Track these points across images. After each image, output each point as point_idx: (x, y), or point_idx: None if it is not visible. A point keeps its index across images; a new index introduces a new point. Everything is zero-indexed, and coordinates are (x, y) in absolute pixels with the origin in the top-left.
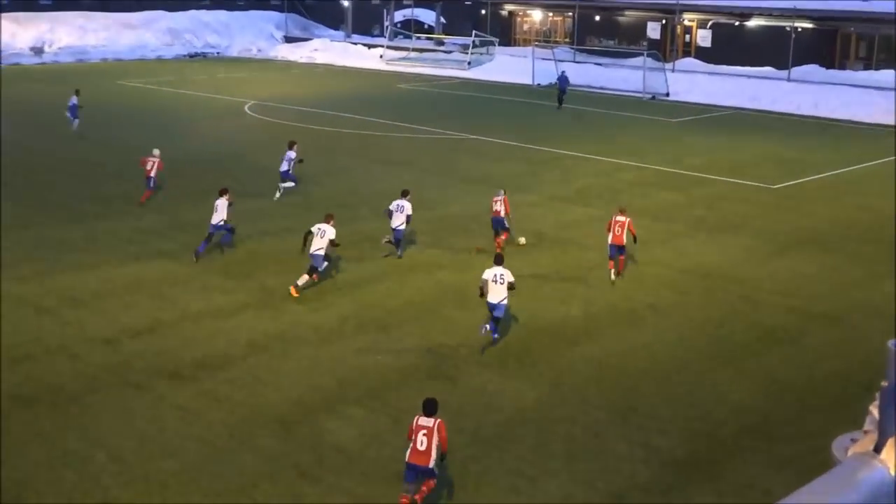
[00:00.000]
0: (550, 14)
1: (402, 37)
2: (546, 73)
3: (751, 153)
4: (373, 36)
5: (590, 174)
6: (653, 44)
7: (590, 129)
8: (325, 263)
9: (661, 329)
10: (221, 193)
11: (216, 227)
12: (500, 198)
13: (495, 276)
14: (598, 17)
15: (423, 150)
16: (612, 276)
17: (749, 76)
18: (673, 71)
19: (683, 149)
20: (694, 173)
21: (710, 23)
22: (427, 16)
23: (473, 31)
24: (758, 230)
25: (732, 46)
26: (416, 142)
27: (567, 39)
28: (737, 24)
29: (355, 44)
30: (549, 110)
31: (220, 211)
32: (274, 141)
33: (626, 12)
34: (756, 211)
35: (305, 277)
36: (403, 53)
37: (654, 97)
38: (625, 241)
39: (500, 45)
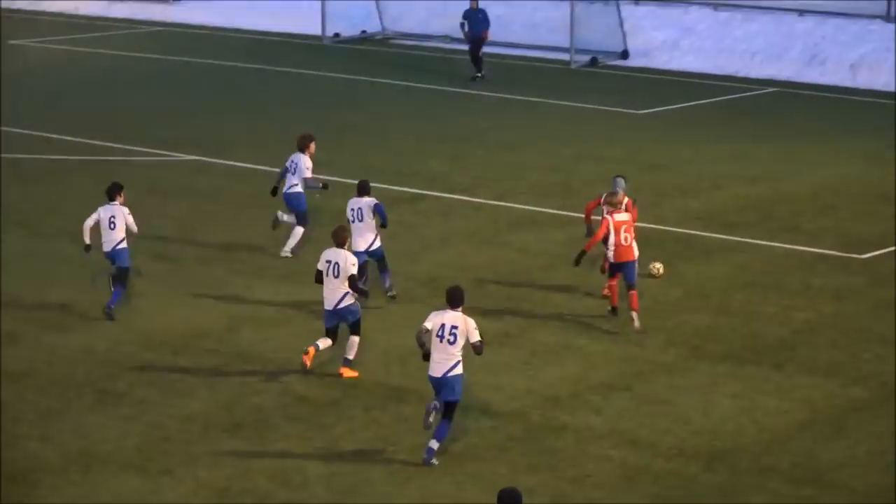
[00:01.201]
0: None
1: None
2: (352, 6)
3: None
4: None
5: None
6: None
7: (468, 135)
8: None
9: None
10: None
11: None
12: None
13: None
14: None
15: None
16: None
17: (802, 11)
18: (636, 2)
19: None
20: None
21: None
22: None
23: None
24: None
25: None
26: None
27: None
28: None
29: None
30: (383, 96)
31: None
32: None
33: None
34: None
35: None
36: None
37: (595, 60)
38: (636, 253)
39: None
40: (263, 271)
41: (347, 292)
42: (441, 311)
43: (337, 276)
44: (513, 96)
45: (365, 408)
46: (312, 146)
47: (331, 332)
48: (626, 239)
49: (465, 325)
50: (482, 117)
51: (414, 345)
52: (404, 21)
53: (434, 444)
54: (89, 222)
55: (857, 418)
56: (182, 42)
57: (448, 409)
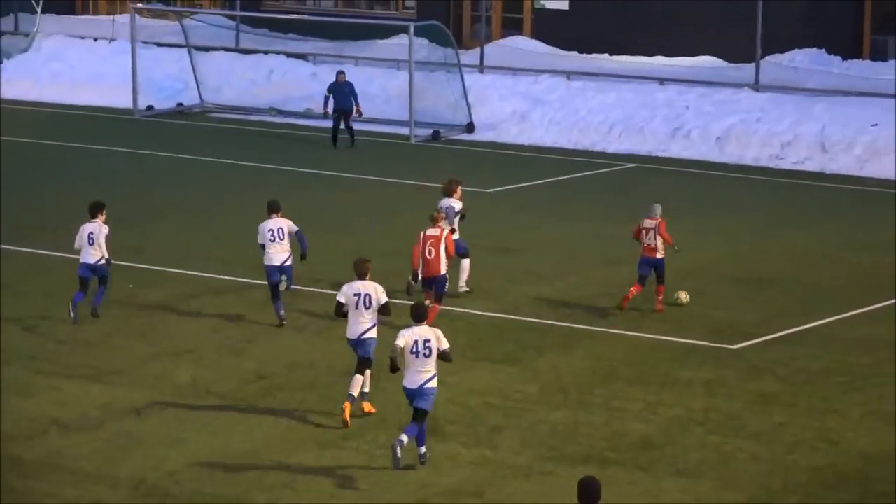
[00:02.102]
0: None
1: None
2: (168, 79)
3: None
4: None
5: None
6: (429, 2)
7: (299, 214)
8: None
9: None
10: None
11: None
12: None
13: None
14: None
15: None
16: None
17: (664, 79)
18: (481, 72)
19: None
20: None
21: None
22: None
23: None
24: None
25: (620, 9)
26: None
27: None
28: None
29: None
30: (202, 173)
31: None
32: None
33: None
34: None
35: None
36: None
37: (437, 134)
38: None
39: (49, 10)
40: (71, 370)
41: (374, 324)
42: (408, 329)
43: (368, 308)
44: (347, 174)
45: None
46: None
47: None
48: (430, 252)
49: (435, 337)
50: (315, 195)
51: (241, 448)
52: (224, 93)
53: (423, 449)
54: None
55: None
56: None
57: (419, 416)
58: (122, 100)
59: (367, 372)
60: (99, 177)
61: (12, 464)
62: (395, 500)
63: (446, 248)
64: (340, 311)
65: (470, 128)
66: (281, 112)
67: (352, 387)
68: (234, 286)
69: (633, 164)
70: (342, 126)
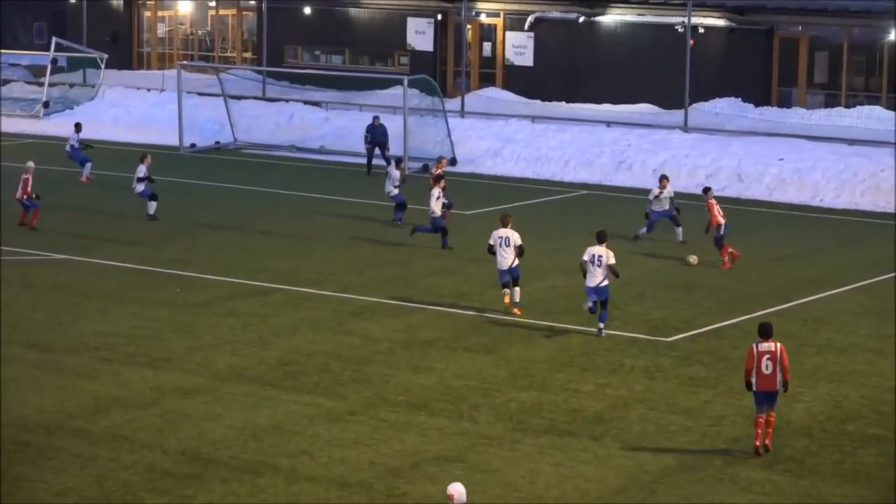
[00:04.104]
0: (213, 5)
1: None
2: (207, 122)
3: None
4: None
5: None
6: (420, 60)
7: (312, 233)
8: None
9: None
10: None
11: None
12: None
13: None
14: (307, 11)
15: None
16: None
17: (610, 122)
18: (463, 116)
19: None
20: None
21: (530, 18)
22: None
23: (53, 40)
24: None
25: (574, 65)
26: None
27: (248, 54)
28: (582, 20)
29: None
30: (234, 198)
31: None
32: None
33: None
34: None
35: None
36: None
37: (426, 167)
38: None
39: (112, 65)
40: (129, 359)
41: (515, 257)
42: (592, 247)
43: (508, 246)
44: (352, 199)
45: (224, 480)
46: None
47: (506, 285)
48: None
49: (606, 254)
50: (326, 218)
51: (268, 422)
52: (254, 133)
53: (601, 325)
54: None
55: (668, 483)
56: (50, 153)
57: (604, 303)
58: (170, 139)
59: (517, 288)
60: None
61: (80, 435)
62: (394, 464)
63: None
64: (491, 250)
65: (453, 161)
66: (300, 149)
67: (514, 294)
68: (261, 290)
69: (585, 192)
70: (380, 158)
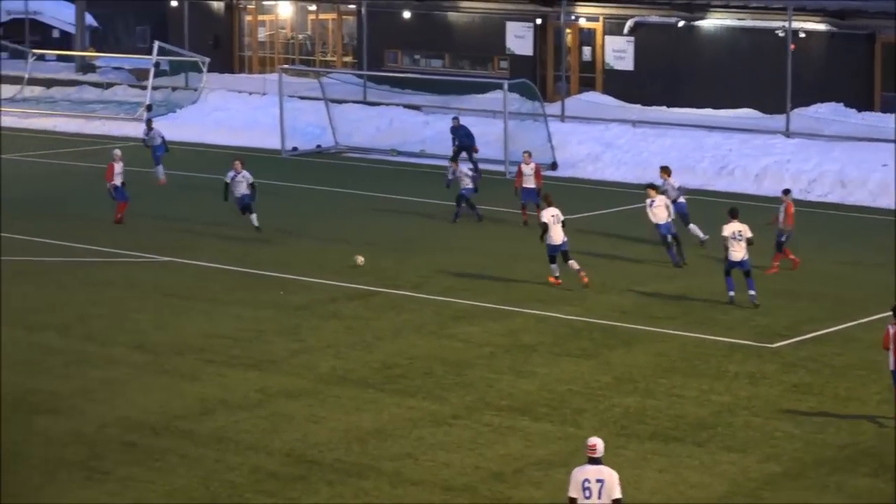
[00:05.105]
0: (313, 9)
1: (3, 56)
2: (307, 126)
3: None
4: None
5: None
6: (519, 64)
7: (413, 237)
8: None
9: None
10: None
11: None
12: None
13: (734, 232)
14: (407, 15)
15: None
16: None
17: (710, 127)
18: (563, 120)
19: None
20: None
21: (630, 23)
22: (57, 11)
23: (156, 44)
24: None
25: (674, 69)
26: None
27: (348, 58)
28: (682, 24)
29: None
30: (335, 201)
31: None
32: None
33: (464, 3)
34: None
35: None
36: (10, 90)
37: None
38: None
39: (213, 69)
40: (234, 360)
41: (566, 239)
42: (729, 224)
43: (558, 223)
44: (450, 203)
45: (329, 483)
46: None
47: (554, 259)
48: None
49: (744, 228)
50: (426, 221)
51: (371, 425)
52: (354, 137)
53: (753, 293)
54: None
55: (773, 491)
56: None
57: (748, 274)
58: (272, 142)
59: (571, 261)
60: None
61: (186, 436)
62: (497, 469)
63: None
64: (545, 228)
65: (554, 166)
66: (400, 153)
67: (572, 265)
68: (362, 293)
69: (686, 197)
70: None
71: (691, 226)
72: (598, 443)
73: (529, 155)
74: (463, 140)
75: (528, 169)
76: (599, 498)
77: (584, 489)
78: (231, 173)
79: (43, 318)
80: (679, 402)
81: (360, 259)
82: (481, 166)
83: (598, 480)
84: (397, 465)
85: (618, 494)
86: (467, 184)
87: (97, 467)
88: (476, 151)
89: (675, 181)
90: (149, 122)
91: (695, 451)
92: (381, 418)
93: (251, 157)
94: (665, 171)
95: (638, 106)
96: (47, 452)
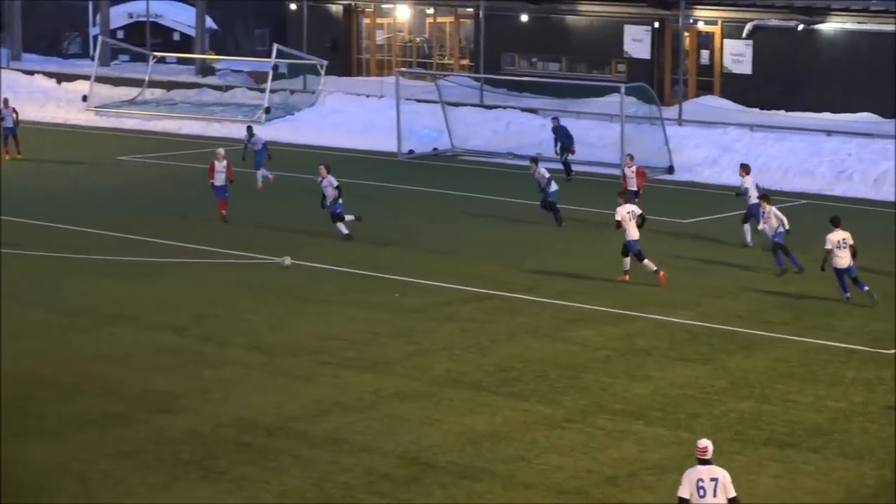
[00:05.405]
0: (431, 12)
1: (124, 58)
2: (423, 129)
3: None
4: (64, 56)
5: None
6: (637, 67)
7: (525, 241)
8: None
9: None
10: None
11: None
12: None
13: (839, 241)
14: (524, 18)
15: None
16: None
17: (828, 131)
18: (680, 124)
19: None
20: None
21: (749, 26)
22: (178, 14)
23: (275, 47)
24: None
25: (793, 73)
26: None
27: (465, 61)
28: (801, 28)
29: (29, 72)
30: (451, 205)
31: None
32: None
33: (582, 6)
34: None
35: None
36: (131, 92)
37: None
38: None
39: (331, 72)
40: (348, 362)
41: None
42: (833, 233)
43: (633, 221)
44: (567, 206)
45: (442, 485)
46: None
47: (628, 254)
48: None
49: (848, 235)
50: (540, 224)
51: (485, 428)
52: (471, 140)
53: (867, 288)
54: None
55: (889, 498)
56: (272, 158)
57: (856, 280)
58: (389, 145)
59: (646, 260)
60: (365, 206)
61: (300, 437)
62: (611, 473)
63: None
64: (619, 225)
65: (671, 170)
66: (517, 156)
67: (651, 263)
68: (477, 296)
69: (804, 201)
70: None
71: (746, 225)
72: (708, 444)
73: (632, 158)
74: (563, 140)
75: (629, 172)
76: (715, 496)
77: (699, 488)
78: (319, 179)
79: (161, 317)
80: (794, 407)
81: (288, 260)
82: (597, 170)
83: (713, 479)
84: (510, 468)
85: (733, 493)
86: (552, 186)
87: (212, 467)
88: (573, 153)
89: (751, 179)
90: (249, 128)
91: (810, 457)
92: (494, 421)
93: (368, 160)
94: (744, 168)
95: (756, 110)
96: (163, 451)
